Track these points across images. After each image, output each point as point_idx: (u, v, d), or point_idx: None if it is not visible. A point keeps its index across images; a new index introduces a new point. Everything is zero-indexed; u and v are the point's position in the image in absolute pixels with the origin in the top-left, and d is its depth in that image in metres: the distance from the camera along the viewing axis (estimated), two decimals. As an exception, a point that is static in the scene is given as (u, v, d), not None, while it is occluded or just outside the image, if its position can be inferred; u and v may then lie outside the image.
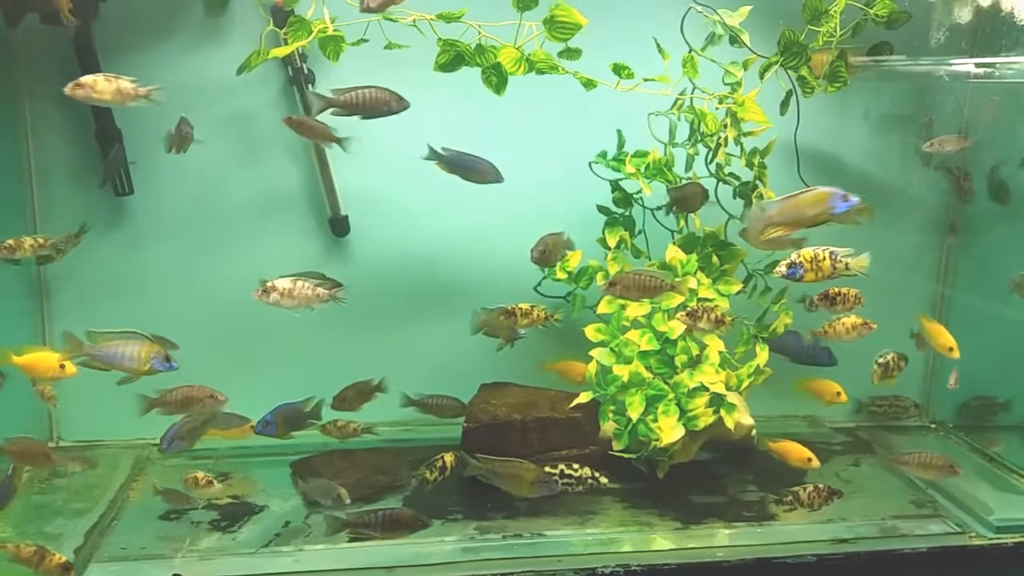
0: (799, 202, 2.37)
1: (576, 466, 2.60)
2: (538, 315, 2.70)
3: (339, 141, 2.56)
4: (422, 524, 2.37)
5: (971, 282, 3.36)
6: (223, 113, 2.92)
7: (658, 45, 2.69)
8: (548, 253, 2.64)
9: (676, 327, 2.70)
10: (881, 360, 2.76)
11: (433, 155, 2.61)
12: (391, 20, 2.51)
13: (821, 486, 2.61)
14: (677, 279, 2.65)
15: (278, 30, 2.67)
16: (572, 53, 2.56)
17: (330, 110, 2.46)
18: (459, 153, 2.61)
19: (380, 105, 2.47)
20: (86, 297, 2.98)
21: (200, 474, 2.53)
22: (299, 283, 2.42)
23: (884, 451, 3.18)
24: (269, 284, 2.40)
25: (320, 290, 2.43)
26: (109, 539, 2.47)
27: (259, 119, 2.79)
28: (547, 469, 2.58)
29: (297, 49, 2.72)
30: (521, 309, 2.70)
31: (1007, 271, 3.04)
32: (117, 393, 2.35)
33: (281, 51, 2.56)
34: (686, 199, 2.81)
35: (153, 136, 2.88)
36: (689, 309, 2.55)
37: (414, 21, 2.50)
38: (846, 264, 2.40)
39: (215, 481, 2.53)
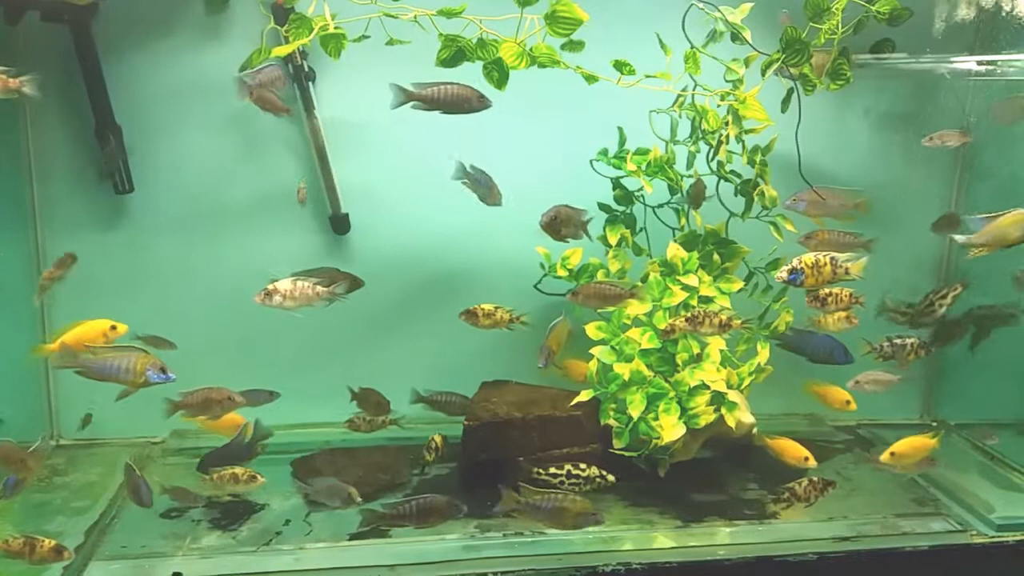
0: (1002, 223, 2.44)
1: (583, 465, 2.60)
2: (502, 316, 2.69)
3: (288, 111, 2.64)
4: (457, 509, 2.37)
5: (972, 279, 3.35)
6: (223, 110, 2.91)
7: (660, 40, 2.68)
8: (559, 222, 2.60)
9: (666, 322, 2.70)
10: (898, 341, 2.76)
11: (463, 174, 2.63)
12: (392, 16, 2.50)
13: (816, 479, 2.61)
14: (637, 287, 2.65)
15: (279, 28, 2.67)
16: (575, 46, 2.55)
17: (410, 103, 2.46)
18: (482, 172, 2.64)
19: (461, 102, 2.48)
20: (86, 295, 2.98)
21: (239, 470, 2.53)
22: (299, 283, 2.42)
23: (862, 451, 3.18)
24: (271, 287, 2.41)
25: (320, 288, 2.43)
26: (110, 537, 2.46)
27: (260, 116, 2.78)
28: (553, 469, 2.57)
29: (298, 47, 2.71)
30: (484, 310, 2.69)
31: (1009, 268, 3.03)
32: (117, 391, 2.34)
33: (283, 49, 2.56)
34: (700, 194, 2.83)
35: (153, 132, 2.89)
36: (689, 315, 2.55)
37: (415, 17, 2.50)
38: (846, 269, 2.42)
39: (258, 476, 2.54)
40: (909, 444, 2.68)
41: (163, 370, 2.28)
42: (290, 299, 2.42)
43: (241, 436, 2.65)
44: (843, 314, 2.71)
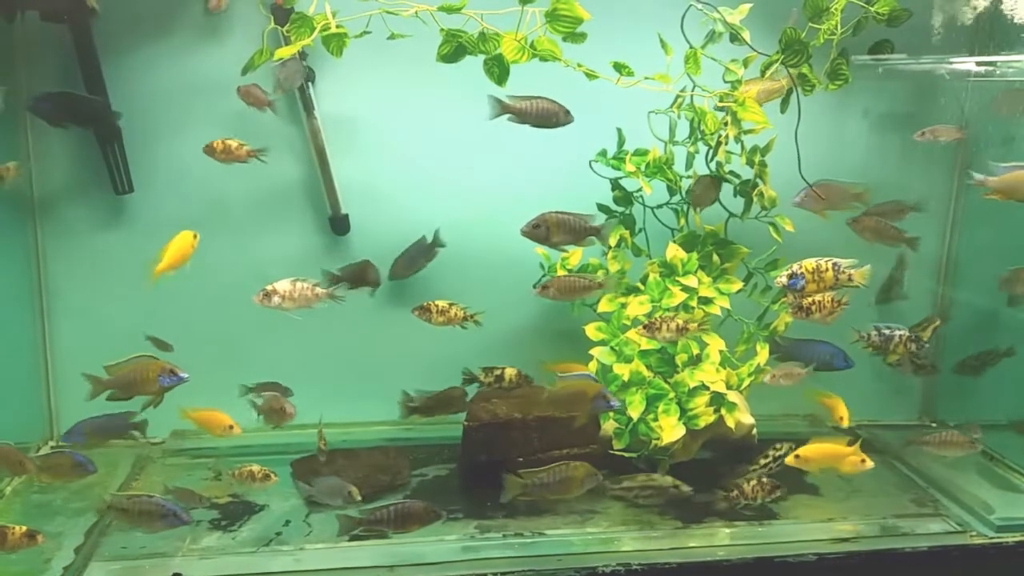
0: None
1: (656, 477, 2.65)
2: (456, 314, 2.67)
3: (270, 104, 2.73)
4: (436, 516, 2.37)
5: (972, 280, 3.35)
6: (223, 111, 2.91)
7: (661, 39, 2.68)
8: (546, 229, 2.56)
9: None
10: (887, 332, 2.72)
11: (435, 242, 3.02)
12: (392, 13, 2.50)
13: (765, 480, 2.61)
14: (607, 278, 2.70)
15: (279, 28, 2.66)
16: (577, 37, 2.53)
17: (505, 115, 2.52)
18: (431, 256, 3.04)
19: (550, 116, 2.54)
20: (86, 295, 2.98)
21: (256, 467, 2.54)
22: (298, 284, 2.43)
23: (904, 438, 3.14)
24: (270, 288, 2.41)
25: (319, 290, 2.44)
26: (109, 538, 2.46)
27: (259, 117, 2.79)
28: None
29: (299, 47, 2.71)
30: (438, 306, 2.68)
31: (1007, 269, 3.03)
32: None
33: (286, 51, 2.55)
34: (704, 190, 2.84)
35: (153, 132, 2.89)
36: (646, 322, 2.56)
37: (416, 13, 2.49)
38: (849, 276, 2.37)
39: (272, 475, 2.55)
40: (817, 449, 2.62)
41: (173, 372, 2.31)
42: (289, 300, 2.43)
43: (123, 416, 2.56)
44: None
